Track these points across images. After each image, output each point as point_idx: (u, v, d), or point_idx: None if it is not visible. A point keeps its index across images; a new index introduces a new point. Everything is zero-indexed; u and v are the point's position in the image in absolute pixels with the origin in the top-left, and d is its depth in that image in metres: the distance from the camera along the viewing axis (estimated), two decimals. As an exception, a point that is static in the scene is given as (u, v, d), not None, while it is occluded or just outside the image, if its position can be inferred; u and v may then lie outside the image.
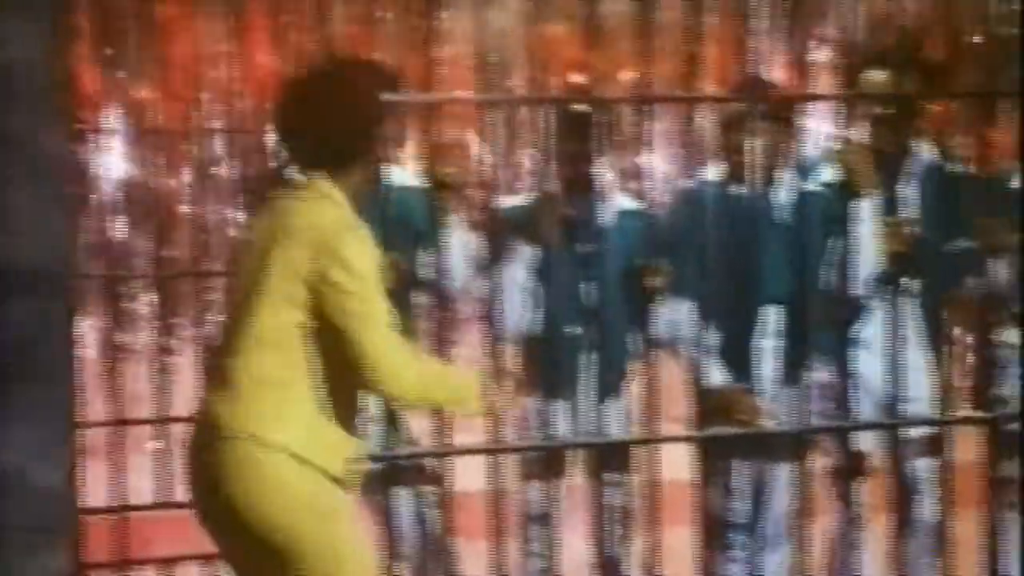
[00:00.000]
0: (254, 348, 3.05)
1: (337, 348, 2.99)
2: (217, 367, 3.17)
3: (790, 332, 3.97)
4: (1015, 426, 4.06)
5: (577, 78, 3.98)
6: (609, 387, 3.88)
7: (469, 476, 3.80)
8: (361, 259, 3.01)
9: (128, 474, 4.48)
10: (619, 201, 4.06)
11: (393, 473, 3.76)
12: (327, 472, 3.06)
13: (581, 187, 3.88)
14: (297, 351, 3.01)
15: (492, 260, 3.71)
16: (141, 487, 4.51)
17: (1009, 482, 4.15)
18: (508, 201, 4.08)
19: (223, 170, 5.70)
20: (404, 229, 3.78)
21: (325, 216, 3.06)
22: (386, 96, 3.15)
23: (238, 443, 3.01)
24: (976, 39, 4.99)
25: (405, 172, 3.99)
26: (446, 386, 3.13)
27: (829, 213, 3.94)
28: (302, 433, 3.03)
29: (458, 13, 5.12)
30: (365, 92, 3.13)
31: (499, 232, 3.74)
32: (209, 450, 3.06)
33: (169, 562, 4.49)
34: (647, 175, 3.79)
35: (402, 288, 3.78)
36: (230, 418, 3.04)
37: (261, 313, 3.02)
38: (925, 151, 4.12)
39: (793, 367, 3.95)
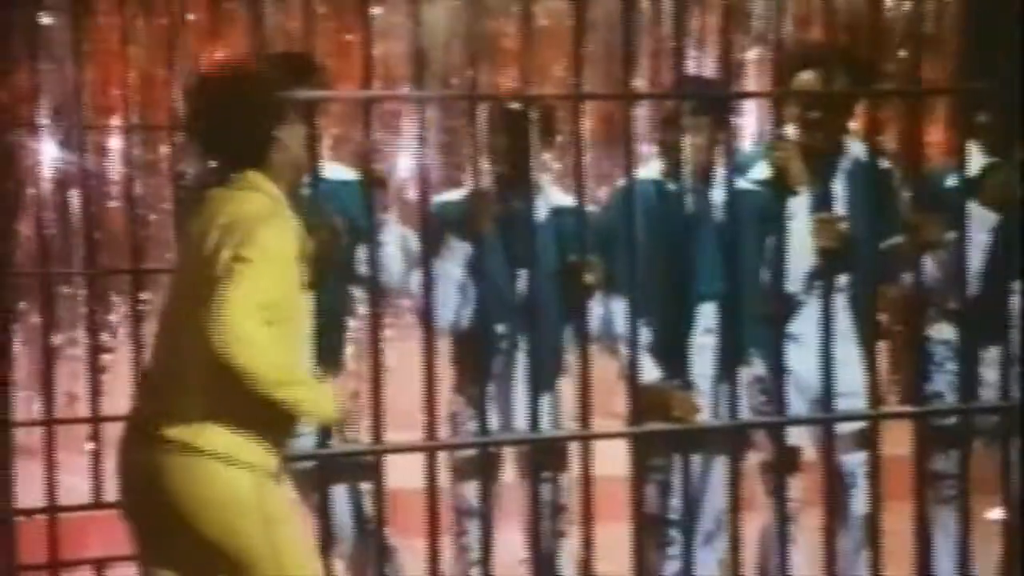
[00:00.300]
0: (181, 349, 3.04)
1: None
2: (149, 370, 3.15)
3: (725, 328, 3.99)
4: (947, 421, 4.11)
5: (513, 75, 3.99)
6: (543, 383, 3.88)
7: (404, 473, 3.80)
8: (277, 243, 2.99)
9: (64, 474, 4.45)
10: (553, 197, 4.07)
11: (329, 471, 3.74)
12: (265, 470, 3.05)
13: (515, 183, 3.89)
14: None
15: (427, 256, 3.71)
16: (78, 487, 4.48)
17: (942, 477, 4.19)
18: (443, 197, 4.08)
19: (161, 167, 5.68)
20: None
21: (252, 205, 3.06)
22: (305, 92, 3.16)
23: (169, 449, 3.00)
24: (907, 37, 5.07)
25: (339, 167, 3.98)
26: (309, 385, 3.07)
27: (763, 210, 3.97)
28: (230, 434, 3.02)
29: (394, 9, 5.14)
30: (262, 89, 3.14)
31: (434, 228, 3.74)
32: (141, 455, 3.04)
33: (103, 562, 4.47)
34: (582, 172, 3.80)
35: (338, 279, 3.80)
36: (159, 422, 3.02)
37: (189, 311, 3.01)
38: (856, 148, 4.15)
39: (728, 363, 3.97)
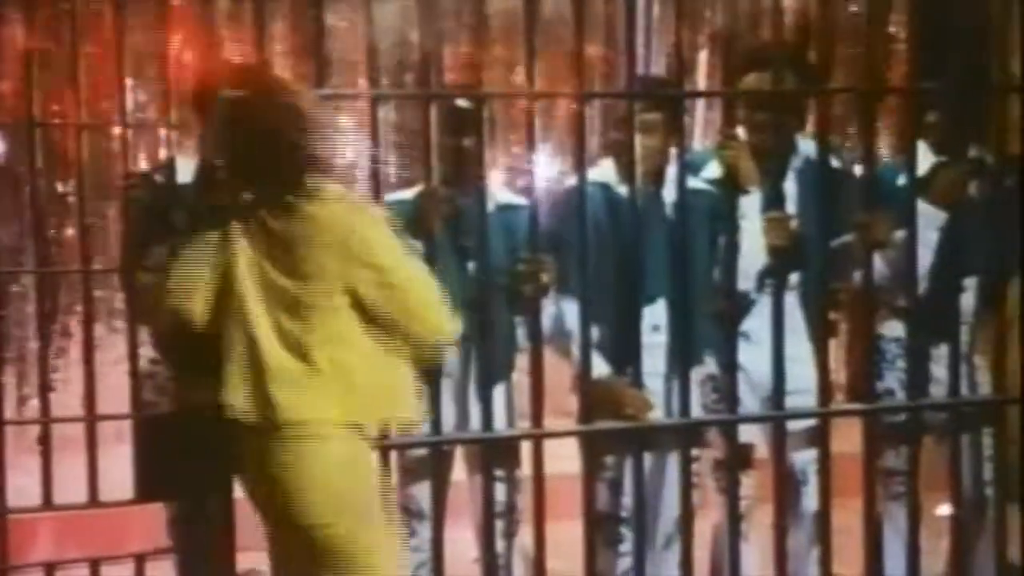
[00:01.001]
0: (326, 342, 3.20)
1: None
2: (274, 364, 3.23)
3: (677, 327, 4.00)
4: (898, 418, 4.14)
5: (462, 74, 3.98)
6: (494, 382, 3.88)
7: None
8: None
9: (11, 475, 4.41)
10: (500, 196, 4.05)
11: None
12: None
13: (464, 182, 3.88)
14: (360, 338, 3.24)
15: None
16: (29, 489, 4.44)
17: (892, 473, 4.22)
18: (393, 196, 4.05)
19: (111, 165, 5.64)
20: None
21: (353, 209, 3.28)
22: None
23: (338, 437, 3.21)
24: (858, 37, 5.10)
25: None
26: None
27: (714, 209, 3.98)
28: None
29: (346, 9, 5.12)
30: (296, 99, 3.25)
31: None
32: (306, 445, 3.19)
33: (53, 565, 4.43)
34: (531, 170, 3.81)
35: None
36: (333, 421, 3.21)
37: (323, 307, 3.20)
38: (807, 147, 4.17)
39: (680, 361, 3.98)
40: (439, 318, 3.30)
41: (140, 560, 3.68)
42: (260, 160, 3.22)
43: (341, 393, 3.24)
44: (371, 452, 3.34)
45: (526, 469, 3.90)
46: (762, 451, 4.25)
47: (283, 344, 3.22)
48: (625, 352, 3.94)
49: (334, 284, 3.22)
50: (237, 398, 3.20)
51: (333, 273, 3.21)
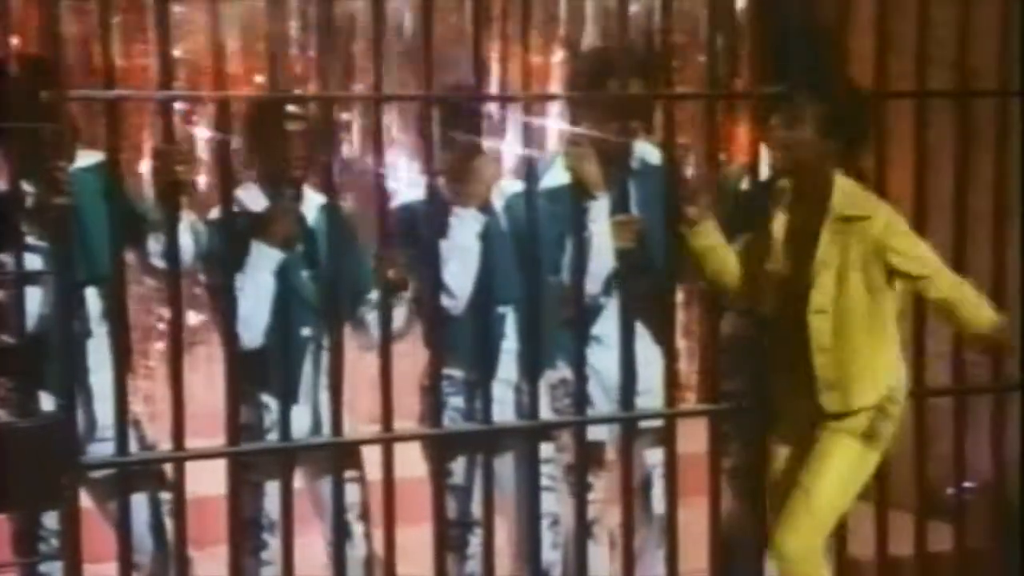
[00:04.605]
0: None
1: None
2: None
3: (526, 332, 4.02)
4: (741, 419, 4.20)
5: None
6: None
7: (204, 481, 3.76)
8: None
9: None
10: (314, 198, 4.01)
11: (128, 479, 3.69)
12: None
13: (291, 185, 3.87)
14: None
15: (229, 261, 3.68)
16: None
17: (737, 472, 4.29)
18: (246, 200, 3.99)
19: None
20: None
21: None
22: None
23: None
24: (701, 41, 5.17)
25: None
26: None
27: (560, 214, 4.01)
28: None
29: (192, 8, 5.07)
30: None
31: (239, 236, 3.72)
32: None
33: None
34: (382, 173, 3.82)
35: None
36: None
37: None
38: (641, 148, 4.22)
39: (530, 365, 4.01)
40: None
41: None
42: None
43: None
44: None
45: (375, 473, 3.90)
46: (611, 453, 4.30)
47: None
48: (478, 358, 3.96)
49: None
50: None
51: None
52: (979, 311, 3.85)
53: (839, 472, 3.82)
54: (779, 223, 3.88)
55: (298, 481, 3.93)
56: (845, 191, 3.84)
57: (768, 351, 4.01)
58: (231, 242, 3.70)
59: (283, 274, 3.77)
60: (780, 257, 3.89)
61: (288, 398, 3.77)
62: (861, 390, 3.84)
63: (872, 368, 3.85)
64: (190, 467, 3.68)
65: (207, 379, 5.62)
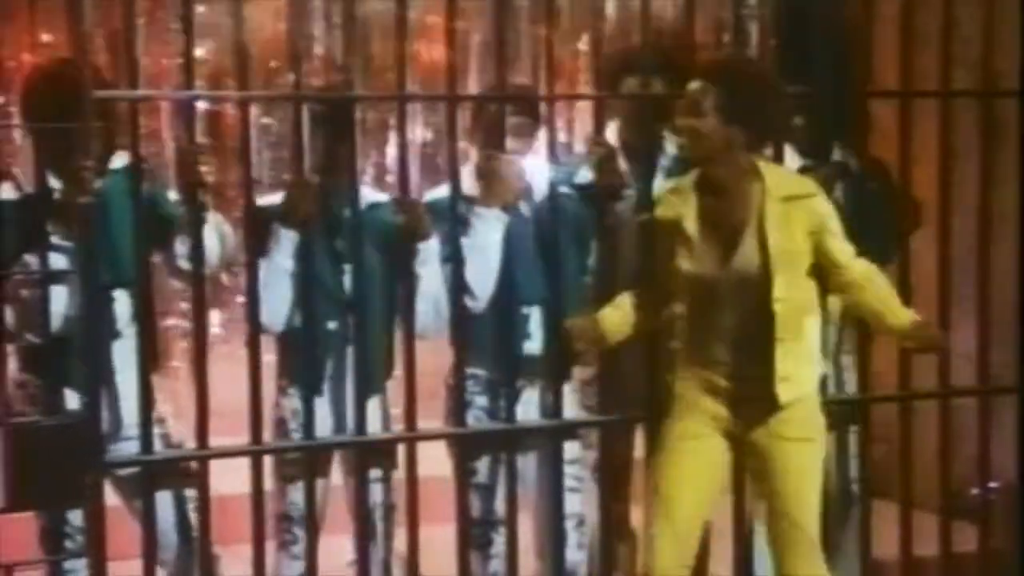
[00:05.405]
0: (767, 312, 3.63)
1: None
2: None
3: (551, 332, 4.01)
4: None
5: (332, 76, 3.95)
6: (370, 383, 3.87)
7: (229, 479, 3.77)
8: None
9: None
10: (366, 194, 4.02)
11: (154, 476, 3.70)
12: None
13: (335, 181, 3.87)
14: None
15: (252, 253, 3.69)
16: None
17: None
18: (268, 199, 4.00)
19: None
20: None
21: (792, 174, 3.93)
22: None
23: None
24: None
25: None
26: None
27: (582, 217, 4.01)
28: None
29: (214, 10, 5.07)
30: None
31: (260, 222, 3.72)
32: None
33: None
34: (407, 172, 3.83)
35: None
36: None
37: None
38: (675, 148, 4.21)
39: (556, 365, 4.00)
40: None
41: (9, 571, 3.61)
42: None
43: None
44: None
45: (400, 471, 3.90)
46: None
47: None
48: (501, 358, 3.96)
49: None
50: None
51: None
52: (896, 303, 3.77)
53: (815, 487, 3.70)
54: (691, 222, 3.68)
55: (337, 478, 3.94)
56: (776, 173, 3.75)
57: (676, 352, 3.77)
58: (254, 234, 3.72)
59: (304, 260, 3.76)
60: (700, 255, 3.68)
61: (312, 392, 3.77)
62: (809, 375, 3.75)
63: (812, 352, 3.75)
64: (217, 465, 3.69)
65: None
